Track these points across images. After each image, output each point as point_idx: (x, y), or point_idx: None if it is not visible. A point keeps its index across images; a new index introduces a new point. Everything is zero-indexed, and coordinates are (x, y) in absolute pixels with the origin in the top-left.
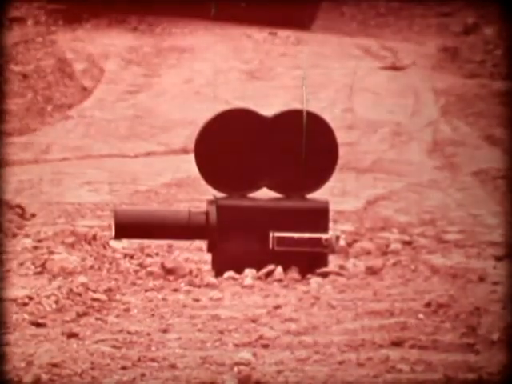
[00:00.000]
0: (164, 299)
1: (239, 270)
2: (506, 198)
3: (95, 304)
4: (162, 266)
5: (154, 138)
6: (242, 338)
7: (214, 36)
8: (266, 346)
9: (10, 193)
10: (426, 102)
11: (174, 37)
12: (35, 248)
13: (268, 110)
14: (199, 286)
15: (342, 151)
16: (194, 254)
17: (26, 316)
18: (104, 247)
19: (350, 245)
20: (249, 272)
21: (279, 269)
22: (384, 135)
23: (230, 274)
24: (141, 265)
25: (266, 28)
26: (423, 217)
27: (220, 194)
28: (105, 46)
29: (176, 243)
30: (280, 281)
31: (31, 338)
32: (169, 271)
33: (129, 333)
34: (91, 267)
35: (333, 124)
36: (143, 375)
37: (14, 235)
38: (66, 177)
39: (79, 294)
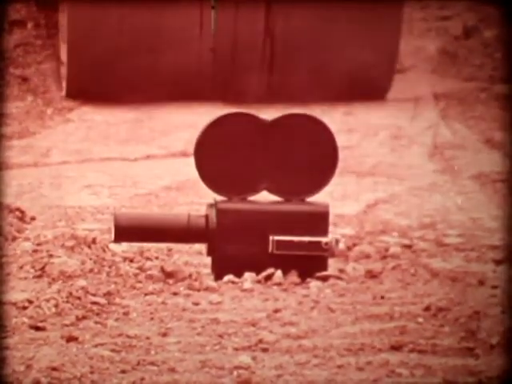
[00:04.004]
0: (163, 303)
1: (239, 274)
2: (506, 202)
3: (94, 307)
4: (162, 270)
5: (154, 142)
6: (242, 342)
7: None
8: (265, 350)
9: (9, 196)
10: (426, 105)
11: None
12: (35, 251)
13: (268, 113)
14: (199, 290)
15: (341, 154)
16: (194, 257)
17: (25, 319)
18: (104, 250)
19: (349, 248)
20: (248, 276)
21: (279, 272)
22: (384, 139)
23: (229, 277)
24: (140, 268)
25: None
26: (423, 220)
27: (220, 198)
28: None
29: (176, 247)
30: (279, 284)
31: (30, 341)
32: (168, 275)
33: (128, 336)
34: (91, 271)
35: (332, 127)
36: (142, 379)
37: (14, 238)
38: (66, 180)
39: (79, 298)
